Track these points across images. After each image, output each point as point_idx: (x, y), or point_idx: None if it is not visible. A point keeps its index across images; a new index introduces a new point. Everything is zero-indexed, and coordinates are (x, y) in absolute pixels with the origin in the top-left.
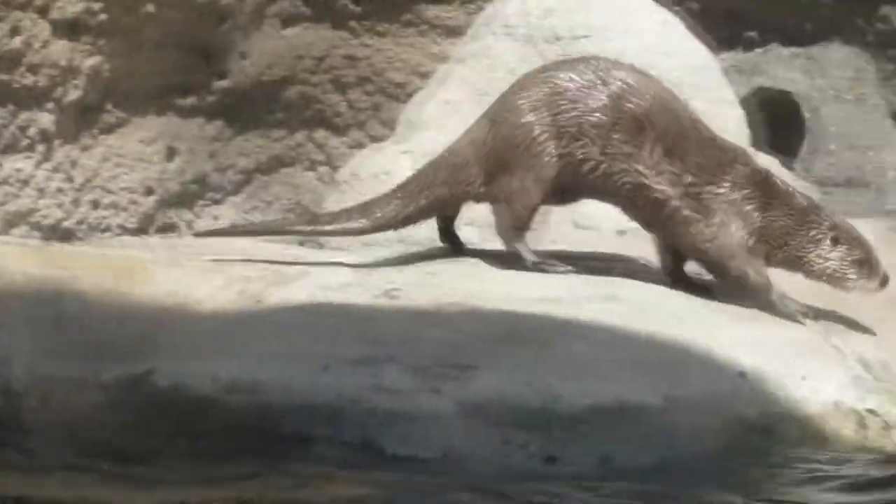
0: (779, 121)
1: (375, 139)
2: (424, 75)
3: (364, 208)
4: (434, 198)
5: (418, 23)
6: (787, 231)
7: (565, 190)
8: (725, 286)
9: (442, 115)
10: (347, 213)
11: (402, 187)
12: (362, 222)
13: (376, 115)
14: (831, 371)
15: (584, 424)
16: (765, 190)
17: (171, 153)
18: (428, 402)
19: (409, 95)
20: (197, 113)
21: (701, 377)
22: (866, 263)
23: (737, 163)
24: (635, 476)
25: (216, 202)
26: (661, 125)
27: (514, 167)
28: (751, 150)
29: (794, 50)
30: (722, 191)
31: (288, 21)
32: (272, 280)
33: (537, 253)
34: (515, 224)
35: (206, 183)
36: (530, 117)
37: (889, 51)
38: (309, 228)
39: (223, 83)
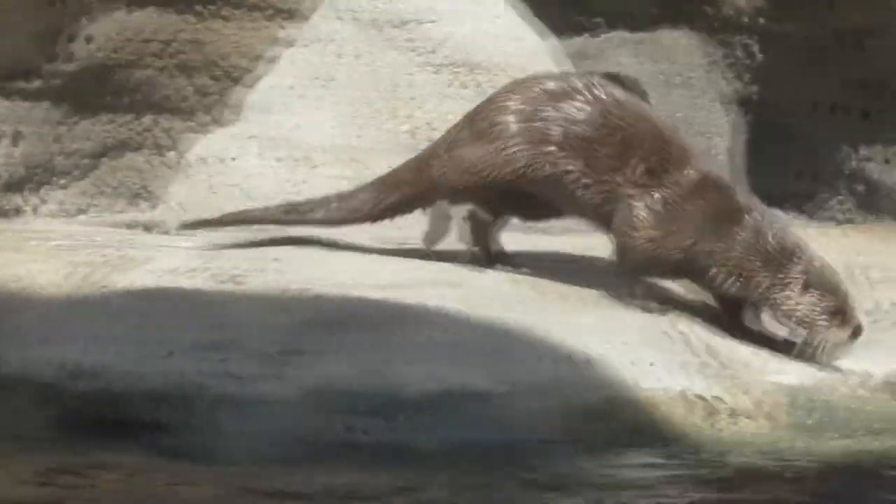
0: None
1: (222, 124)
2: (271, 60)
3: (341, 198)
4: (406, 193)
5: (264, 7)
6: (749, 266)
7: (542, 203)
8: (619, 268)
9: (287, 99)
10: (325, 202)
11: (379, 180)
12: (339, 213)
13: (222, 99)
14: (678, 358)
15: (426, 410)
16: (734, 222)
17: (16, 137)
18: (272, 388)
19: (256, 80)
20: (43, 97)
21: (545, 362)
22: (839, 312)
23: (711, 190)
24: (472, 460)
25: (62, 187)
26: (647, 146)
27: (476, 148)
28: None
29: (638, 35)
30: (685, 207)
31: (134, 4)
32: (117, 265)
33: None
34: (451, 188)
35: (52, 167)
36: (510, 118)
37: (733, 36)
38: (287, 217)
39: (69, 67)
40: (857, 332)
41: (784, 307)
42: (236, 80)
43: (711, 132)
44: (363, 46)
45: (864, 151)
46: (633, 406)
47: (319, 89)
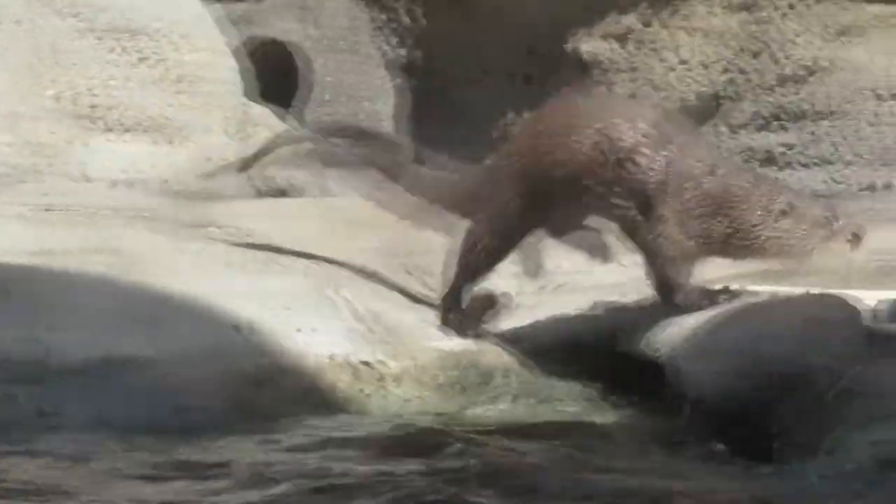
0: (274, 71)
1: None
2: None
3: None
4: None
5: None
6: (730, 228)
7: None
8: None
9: None
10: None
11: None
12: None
13: None
14: (326, 323)
15: (77, 378)
16: (718, 200)
17: None
18: None
19: None
20: None
21: (197, 330)
22: (827, 224)
23: (701, 178)
24: (129, 429)
25: None
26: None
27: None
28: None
29: (301, 0)
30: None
31: None
32: None
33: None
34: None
35: None
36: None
37: (398, 1)
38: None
39: None
40: (857, 238)
41: (771, 245)
42: None
43: (360, 96)
44: (23, 13)
45: (515, 115)
46: (293, 372)
47: None
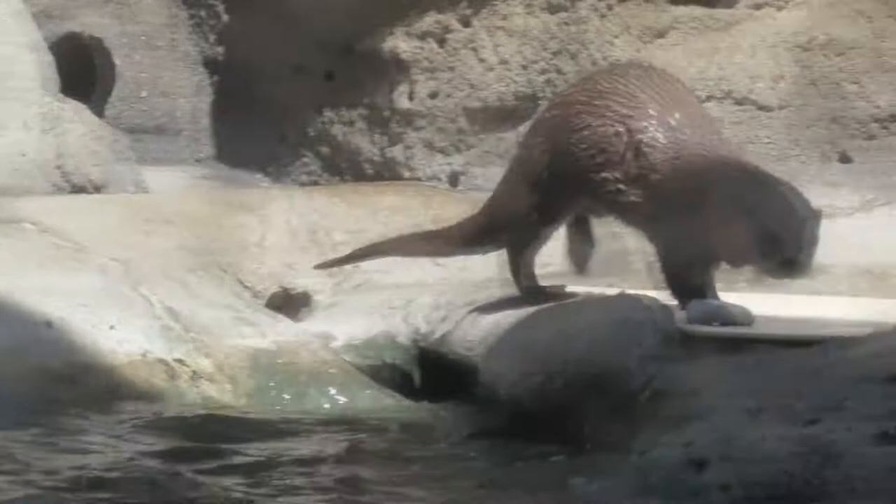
0: (89, 67)
1: None
2: None
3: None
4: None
5: None
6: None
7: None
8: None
9: None
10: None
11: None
12: None
13: None
14: (139, 321)
15: None
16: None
17: None
18: None
19: None
20: None
21: (7, 326)
22: (773, 240)
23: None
24: None
25: None
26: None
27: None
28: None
29: None
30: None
31: None
32: None
33: None
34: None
35: None
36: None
37: None
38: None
39: None
40: (791, 264)
41: (726, 254)
42: None
43: (176, 93)
44: None
45: (328, 113)
46: (106, 370)
47: None
